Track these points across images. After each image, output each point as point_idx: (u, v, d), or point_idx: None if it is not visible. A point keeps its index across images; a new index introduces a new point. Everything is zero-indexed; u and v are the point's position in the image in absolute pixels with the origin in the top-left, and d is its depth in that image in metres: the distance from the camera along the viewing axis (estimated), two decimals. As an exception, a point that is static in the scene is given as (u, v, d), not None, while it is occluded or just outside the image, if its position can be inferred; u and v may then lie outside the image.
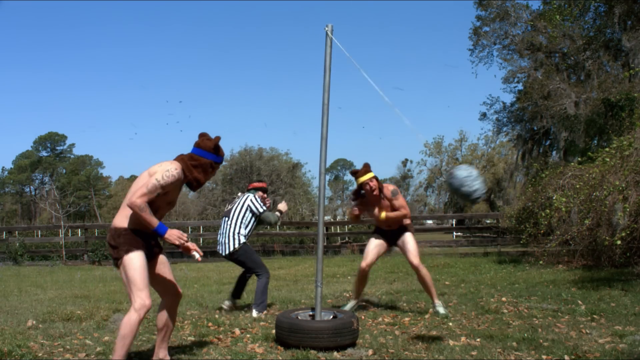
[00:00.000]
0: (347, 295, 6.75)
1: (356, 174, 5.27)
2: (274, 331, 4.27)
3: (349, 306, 5.45)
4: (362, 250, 14.75)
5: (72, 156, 63.02)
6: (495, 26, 18.81)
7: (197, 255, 3.38)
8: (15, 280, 9.40)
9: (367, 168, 5.26)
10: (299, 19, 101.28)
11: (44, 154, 62.96)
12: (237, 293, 5.83)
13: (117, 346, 3.12)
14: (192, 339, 4.34)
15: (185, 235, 3.27)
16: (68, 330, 4.67)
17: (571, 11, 15.87)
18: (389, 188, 5.30)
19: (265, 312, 5.51)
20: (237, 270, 10.92)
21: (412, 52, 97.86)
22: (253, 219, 5.74)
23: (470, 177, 3.60)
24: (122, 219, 3.23)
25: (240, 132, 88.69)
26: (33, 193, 62.44)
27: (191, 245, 3.35)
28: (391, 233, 5.45)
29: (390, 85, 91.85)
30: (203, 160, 3.31)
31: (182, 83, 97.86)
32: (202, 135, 3.39)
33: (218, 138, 3.36)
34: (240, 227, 5.64)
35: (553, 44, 16.90)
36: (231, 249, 5.57)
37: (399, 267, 9.90)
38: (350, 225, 19.57)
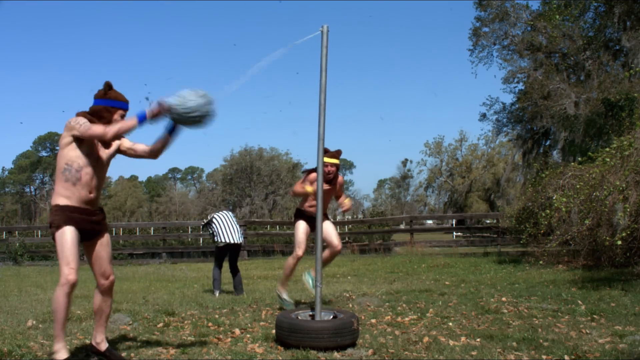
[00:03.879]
0: (347, 295, 6.74)
1: (325, 152, 5.42)
2: (274, 331, 4.27)
3: (287, 299, 5.62)
4: (362, 250, 14.76)
5: (72, 156, 63.02)
6: (494, 26, 18.78)
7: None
8: (15, 280, 9.40)
9: (336, 154, 5.53)
10: (299, 19, 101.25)
11: (43, 154, 62.96)
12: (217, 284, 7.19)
13: (54, 322, 3.27)
14: (192, 339, 4.34)
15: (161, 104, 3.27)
16: (68, 330, 4.66)
17: (571, 11, 15.85)
18: (340, 180, 5.70)
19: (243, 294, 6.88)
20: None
21: (411, 52, 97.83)
22: None
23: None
24: (58, 197, 3.27)
25: (241, 132, 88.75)
26: (33, 193, 62.45)
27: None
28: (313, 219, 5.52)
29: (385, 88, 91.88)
30: (96, 107, 3.37)
31: (182, 83, 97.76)
32: (107, 85, 3.44)
33: (106, 83, 3.42)
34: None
35: (553, 44, 16.88)
36: (241, 240, 7.21)
37: (399, 267, 9.90)
38: (350, 226, 19.57)
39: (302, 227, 5.60)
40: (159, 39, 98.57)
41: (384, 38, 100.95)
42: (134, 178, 65.01)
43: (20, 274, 10.80)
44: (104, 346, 3.62)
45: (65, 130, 3.28)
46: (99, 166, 3.36)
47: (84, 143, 3.28)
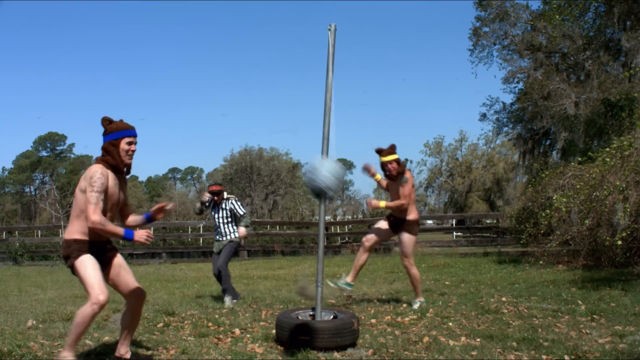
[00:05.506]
0: (347, 295, 6.74)
1: (381, 152, 5.52)
2: (274, 331, 4.27)
3: (341, 282, 5.77)
4: (362, 250, 14.77)
5: (72, 156, 63.02)
6: (495, 26, 18.77)
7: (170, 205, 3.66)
8: (15, 280, 9.39)
9: (391, 150, 5.49)
10: (300, 19, 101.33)
11: (44, 154, 62.95)
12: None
13: (71, 332, 3.33)
14: (192, 339, 4.34)
15: (151, 232, 3.45)
16: (68, 330, 4.66)
17: (571, 11, 15.85)
18: (406, 174, 5.48)
19: (232, 300, 6.12)
20: (236, 271, 10.92)
21: (412, 52, 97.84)
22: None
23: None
24: (72, 232, 3.37)
25: (241, 132, 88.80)
26: (33, 193, 62.41)
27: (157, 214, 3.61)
28: (395, 223, 5.66)
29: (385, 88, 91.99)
30: (103, 146, 3.42)
31: (182, 83, 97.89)
32: (104, 121, 3.46)
33: (102, 119, 3.44)
34: None
35: (553, 44, 16.88)
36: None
37: (399, 267, 9.88)
38: (350, 226, 19.58)
39: (381, 224, 5.75)
40: (159, 39, 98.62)
41: (384, 38, 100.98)
42: (134, 178, 64.97)
43: (20, 274, 10.79)
44: (128, 355, 3.64)
45: (84, 179, 3.33)
46: (115, 207, 3.47)
47: (110, 189, 3.38)
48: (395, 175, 5.45)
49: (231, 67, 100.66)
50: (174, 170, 77.54)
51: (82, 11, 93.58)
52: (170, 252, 15.13)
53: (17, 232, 17.40)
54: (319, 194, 3.69)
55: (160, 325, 4.85)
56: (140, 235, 3.32)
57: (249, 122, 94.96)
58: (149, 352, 3.92)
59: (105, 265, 3.46)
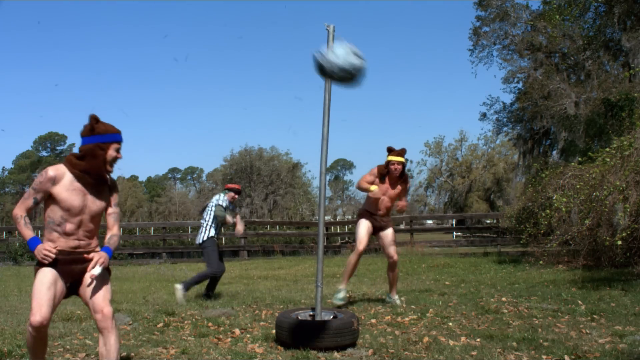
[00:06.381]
0: (347, 295, 6.74)
1: (391, 151, 5.69)
2: (274, 331, 4.27)
3: (341, 295, 5.67)
4: (362, 250, 14.78)
5: (72, 156, 62.97)
6: (495, 26, 18.80)
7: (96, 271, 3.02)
8: (15, 280, 9.39)
9: (401, 152, 5.68)
10: (299, 19, 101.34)
11: (44, 153, 62.94)
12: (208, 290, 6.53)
13: None
14: (192, 339, 4.34)
15: (52, 252, 2.92)
16: (68, 330, 4.67)
17: (571, 11, 15.86)
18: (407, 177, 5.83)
19: (184, 294, 6.14)
20: (236, 271, 10.90)
21: (412, 52, 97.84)
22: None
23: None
24: (46, 242, 3.00)
25: (241, 132, 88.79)
26: (33, 193, 62.41)
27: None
28: (379, 219, 5.76)
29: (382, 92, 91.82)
30: (86, 147, 2.97)
31: (181, 83, 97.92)
32: (92, 119, 3.02)
33: (91, 116, 3.00)
34: (210, 222, 6.43)
35: (553, 44, 16.89)
36: (200, 240, 6.43)
37: (399, 267, 9.88)
38: (350, 226, 19.57)
39: (363, 224, 5.76)
40: (159, 39, 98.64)
41: (384, 38, 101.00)
42: (134, 178, 64.99)
43: (20, 274, 10.79)
44: None
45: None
46: (85, 216, 3.01)
47: (63, 195, 2.94)
48: (396, 176, 5.64)
49: (231, 67, 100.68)
50: (174, 170, 77.55)
51: (82, 11, 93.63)
52: (170, 252, 15.13)
53: (17, 232, 17.39)
54: (324, 71, 3.61)
55: (160, 325, 4.85)
56: (39, 250, 2.89)
57: (249, 122, 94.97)
58: (149, 352, 3.92)
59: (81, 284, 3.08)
